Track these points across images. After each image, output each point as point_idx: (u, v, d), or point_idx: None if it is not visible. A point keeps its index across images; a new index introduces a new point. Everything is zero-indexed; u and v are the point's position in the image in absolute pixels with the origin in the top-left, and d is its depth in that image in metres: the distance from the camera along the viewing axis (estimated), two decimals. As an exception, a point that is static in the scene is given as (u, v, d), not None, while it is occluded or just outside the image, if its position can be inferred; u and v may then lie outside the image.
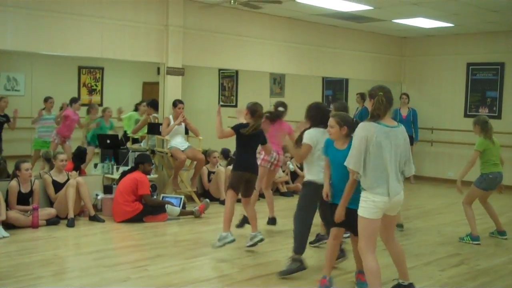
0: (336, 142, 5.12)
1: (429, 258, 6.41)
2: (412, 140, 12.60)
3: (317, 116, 5.74)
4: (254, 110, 6.41)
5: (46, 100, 10.17)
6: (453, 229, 8.18)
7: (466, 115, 12.56)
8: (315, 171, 5.61)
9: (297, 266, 5.66)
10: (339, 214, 4.89)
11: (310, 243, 6.51)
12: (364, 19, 11.04)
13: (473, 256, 6.67)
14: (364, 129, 4.56)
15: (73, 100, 10.43)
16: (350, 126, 5.04)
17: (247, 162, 6.46)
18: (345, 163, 4.63)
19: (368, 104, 4.79)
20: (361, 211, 4.56)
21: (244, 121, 6.48)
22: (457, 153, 12.47)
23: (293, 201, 8.31)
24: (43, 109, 10.06)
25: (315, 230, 6.44)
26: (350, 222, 4.83)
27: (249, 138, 6.39)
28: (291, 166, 10.87)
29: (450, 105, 12.86)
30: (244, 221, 7.44)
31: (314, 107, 5.87)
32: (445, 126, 12.85)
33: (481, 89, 12.47)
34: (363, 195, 4.58)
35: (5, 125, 9.55)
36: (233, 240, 6.37)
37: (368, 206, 4.52)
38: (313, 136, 5.63)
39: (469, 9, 9.81)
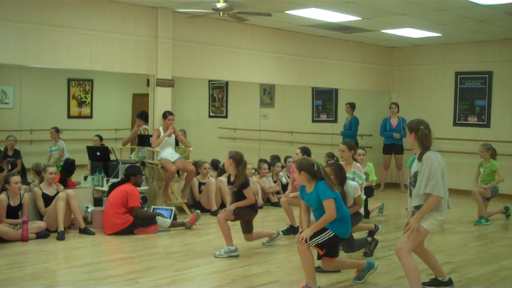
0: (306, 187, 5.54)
1: (420, 267, 6.35)
2: (402, 149, 12.67)
3: None
4: (238, 161, 6.90)
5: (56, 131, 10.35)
6: (443, 237, 8.21)
7: (455, 124, 12.63)
8: None
9: None
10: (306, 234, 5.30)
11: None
12: (353, 30, 11.10)
13: (464, 264, 6.68)
14: (436, 157, 5.14)
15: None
16: (308, 170, 5.38)
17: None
18: (429, 191, 5.02)
19: (409, 137, 5.30)
20: (428, 225, 5.14)
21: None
22: (446, 162, 12.38)
23: (284, 211, 8.35)
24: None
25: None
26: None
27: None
28: (284, 178, 10.87)
29: (439, 114, 12.91)
30: (290, 230, 8.11)
31: None
32: (435, 134, 12.73)
33: (470, 98, 12.55)
34: (435, 215, 5.13)
35: None
36: (237, 256, 6.80)
37: (437, 223, 5.26)
38: None
39: (456, 19, 9.89)
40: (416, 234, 5.10)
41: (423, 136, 5.16)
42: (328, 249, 5.49)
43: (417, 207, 5.12)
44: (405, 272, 5.15)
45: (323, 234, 5.31)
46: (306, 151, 8.03)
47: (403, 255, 5.08)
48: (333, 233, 5.32)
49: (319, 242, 5.31)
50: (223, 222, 6.84)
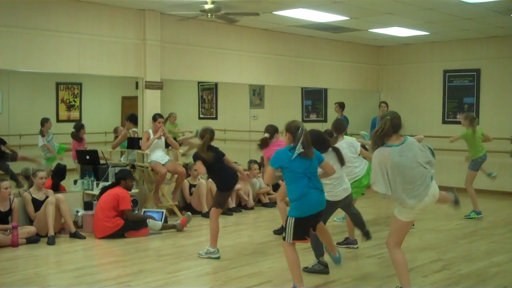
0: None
1: (411, 265, 6.43)
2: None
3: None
4: (201, 135, 6.82)
5: (42, 124, 10.10)
6: (434, 235, 8.24)
7: (444, 122, 12.69)
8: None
9: (320, 269, 6.12)
10: None
11: (338, 243, 7.07)
12: (341, 29, 11.13)
13: (455, 261, 6.71)
14: (376, 156, 4.97)
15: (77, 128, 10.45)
16: (293, 133, 5.26)
17: (229, 180, 6.94)
18: (374, 188, 5.00)
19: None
20: (399, 214, 5.10)
21: None
22: (436, 160, 12.54)
23: (275, 212, 8.37)
24: (41, 132, 10.03)
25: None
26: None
27: (216, 159, 6.77)
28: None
29: (428, 112, 12.98)
30: (281, 230, 7.83)
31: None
32: (424, 133, 12.76)
33: (458, 96, 12.62)
34: (403, 204, 5.04)
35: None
36: (218, 257, 6.74)
37: (408, 212, 5.07)
38: None
39: (443, 18, 9.95)
40: (395, 226, 5.15)
41: (382, 124, 4.99)
42: (306, 231, 5.33)
43: None
44: (393, 266, 5.22)
45: (287, 225, 5.23)
46: (268, 130, 7.66)
47: (389, 249, 5.17)
48: (293, 218, 5.21)
49: (291, 234, 5.19)
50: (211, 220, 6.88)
